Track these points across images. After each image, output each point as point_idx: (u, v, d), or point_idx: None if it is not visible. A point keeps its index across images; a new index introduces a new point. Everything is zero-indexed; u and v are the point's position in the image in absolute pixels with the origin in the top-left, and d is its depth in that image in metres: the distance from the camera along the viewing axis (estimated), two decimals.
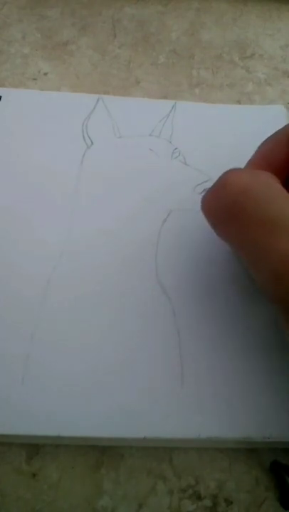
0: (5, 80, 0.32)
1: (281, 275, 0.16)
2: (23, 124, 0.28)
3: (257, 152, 0.21)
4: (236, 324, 0.22)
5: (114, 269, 0.23)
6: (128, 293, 0.23)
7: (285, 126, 0.21)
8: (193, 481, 0.20)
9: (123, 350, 0.21)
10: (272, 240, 0.16)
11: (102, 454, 0.21)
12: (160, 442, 0.20)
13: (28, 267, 0.23)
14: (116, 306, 0.23)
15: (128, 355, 0.21)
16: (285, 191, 0.18)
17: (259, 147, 0.21)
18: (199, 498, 0.20)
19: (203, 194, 0.20)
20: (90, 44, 0.35)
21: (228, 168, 0.19)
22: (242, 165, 0.21)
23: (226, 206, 0.18)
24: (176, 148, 0.28)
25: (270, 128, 0.21)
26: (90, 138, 0.28)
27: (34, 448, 0.21)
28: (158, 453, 0.21)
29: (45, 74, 0.33)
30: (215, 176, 0.19)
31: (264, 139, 0.21)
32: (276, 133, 0.21)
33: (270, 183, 0.18)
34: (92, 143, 0.28)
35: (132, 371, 0.21)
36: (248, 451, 0.21)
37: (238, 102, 0.32)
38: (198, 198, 0.20)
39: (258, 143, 0.21)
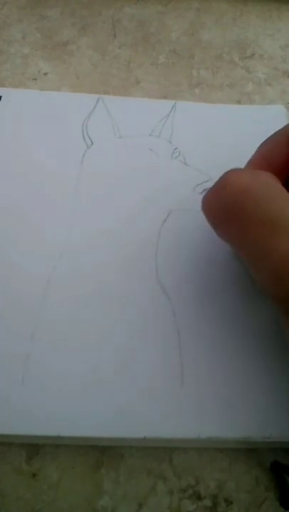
0: (5, 80, 0.32)
1: (281, 275, 0.16)
2: (23, 124, 0.28)
3: (257, 152, 0.21)
4: (236, 324, 0.22)
5: (114, 269, 0.23)
6: (128, 293, 0.23)
7: (285, 126, 0.21)
8: (193, 481, 0.20)
9: (123, 350, 0.21)
10: (273, 240, 0.16)
11: (102, 454, 0.21)
12: (160, 442, 0.20)
13: (28, 267, 0.23)
14: (116, 306, 0.23)
15: (128, 355, 0.21)
16: (285, 191, 0.18)
17: (259, 147, 0.21)
18: (199, 498, 0.20)
19: (203, 194, 0.20)
20: (90, 44, 0.35)
21: (228, 168, 0.19)
22: (242, 165, 0.21)
23: (226, 206, 0.18)
24: (176, 148, 0.28)
25: (270, 128, 0.21)
26: (90, 138, 0.28)
27: (34, 448, 0.21)
28: (158, 453, 0.21)
29: (45, 74, 0.33)
30: (215, 175, 0.19)
31: (264, 139, 0.21)
32: (276, 133, 0.21)
33: (271, 183, 0.18)
34: (92, 143, 0.28)
35: (132, 371, 0.21)
36: (248, 451, 0.21)
37: (238, 102, 0.32)
38: (199, 198, 0.20)
39: (258, 143, 0.21)
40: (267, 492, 0.20)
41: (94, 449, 0.21)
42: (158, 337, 0.22)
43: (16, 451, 0.20)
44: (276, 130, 0.21)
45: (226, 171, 0.19)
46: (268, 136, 0.21)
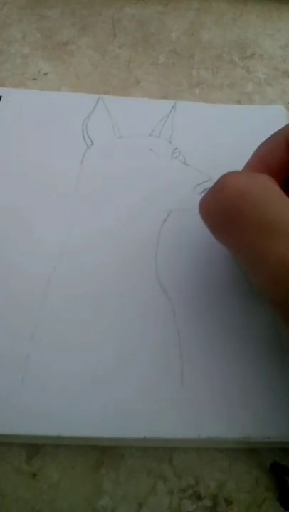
0: (5, 80, 0.32)
1: (279, 278, 0.16)
2: (23, 124, 0.28)
3: (254, 154, 0.21)
4: (236, 324, 0.22)
5: (114, 269, 0.23)
6: (128, 293, 0.23)
7: (283, 128, 0.21)
8: (193, 481, 0.20)
9: (123, 350, 0.21)
10: (270, 243, 0.16)
11: (102, 454, 0.21)
12: (160, 442, 0.20)
13: (28, 267, 0.23)
14: (116, 306, 0.23)
15: (128, 355, 0.21)
16: (283, 194, 0.17)
17: (257, 149, 0.21)
18: (199, 498, 0.20)
19: (203, 194, 0.20)
20: (90, 44, 0.35)
21: (228, 168, 0.19)
22: (242, 165, 0.21)
23: (223, 209, 0.18)
24: (176, 148, 0.28)
25: (270, 128, 0.21)
26: (90, 138, 0.28)
27: (34, 448, 0.21)
28: (158, 453, 0.21)
29: (45, 74, 0.33)
30: (215, 176, 0.19)
31: (264, 139, 0.21)
32: (273, 135, 0.21)
33: (268, 185, 0.18)
34: (92, 143, 0.28)
35: (132, 371, 0.21)
36: (248, 451, 0.21)
37: (238, 102, 0.32)
38: (198, 198, 0.20)
39: (258, 143, 0.21)
40: (267, 492, 0.20)
41: (94, 449, 0.21)
42: (158, 337, 0.22)
43: (16, 451, 0.20)
44: (276, 130, 0.21)
45: (225, 171, 0.19)
46: (268, 136, 0.21)
